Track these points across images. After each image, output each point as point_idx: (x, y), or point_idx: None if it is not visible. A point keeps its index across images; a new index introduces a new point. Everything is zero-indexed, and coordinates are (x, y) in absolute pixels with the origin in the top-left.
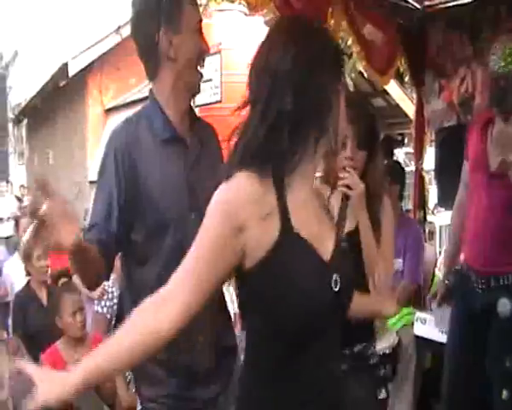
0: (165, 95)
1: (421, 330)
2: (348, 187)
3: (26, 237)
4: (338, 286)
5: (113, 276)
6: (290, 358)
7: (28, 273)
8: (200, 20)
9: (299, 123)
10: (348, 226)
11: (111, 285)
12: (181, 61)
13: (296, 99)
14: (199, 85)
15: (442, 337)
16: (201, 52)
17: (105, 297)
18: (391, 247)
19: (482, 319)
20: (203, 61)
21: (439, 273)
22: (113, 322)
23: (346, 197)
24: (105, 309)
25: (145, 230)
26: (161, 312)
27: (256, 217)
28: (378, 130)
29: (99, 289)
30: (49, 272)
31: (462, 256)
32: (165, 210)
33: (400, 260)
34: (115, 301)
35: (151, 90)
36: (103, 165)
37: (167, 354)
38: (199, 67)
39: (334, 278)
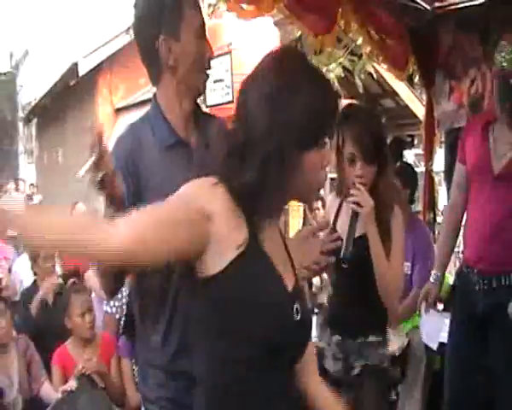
0: (167, 100)
1: (427, 335)
2: (358, 204)
3: None
4: (299, 316)
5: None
6: (247, 383)
7: (36, 273)
8: (203, 24)
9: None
10: (359, 231)
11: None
12: (181, 68)
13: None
14: (204, 86)
15: None
16: (205, 56)
17: (114, 297)
18: (400, 259)
19: (484, 319)
20: (209, 63)
21: (448, 275)
22: (122, 322)
23: (355, 214)
24: (114, 309)
25: None
26: (116, 229)
27: (224, 220)
28: (385, 142)
29: None
30: (60, 271)
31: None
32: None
33: (408, 264)
34: (124, 301)
35: (154, 95)
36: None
37: (167, 359)
38: (204, 70)
39: (295, 306)
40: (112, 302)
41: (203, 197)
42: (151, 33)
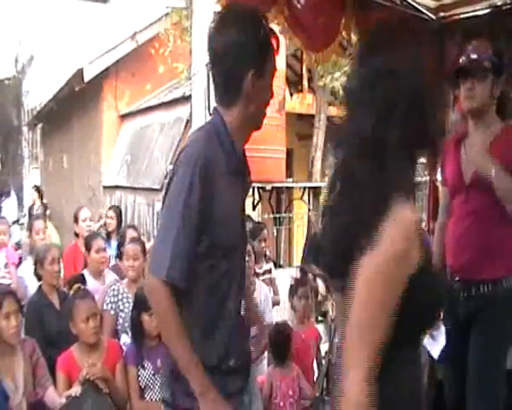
0: (236, 126)
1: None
2: None
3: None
4: None
5: (125, 281)
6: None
7: (39, 278)
8: (275, 69)
9: None
10: None
11: (116, 283)
12: (256, 102)
13: None
14: (262, 122)
15: None
16: (272, 96)
17: (110, 294)
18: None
19: (465, 326)
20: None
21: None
22: (122, 320)
23: None
24: (109, 306)
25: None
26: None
27: None
28: None
29: None
30: (63, 277)
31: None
32: (228, 237)
33: None
34: (120, 297)
35: (220, 114)
36: (189, 185)
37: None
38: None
39: None
40: (108, 299)
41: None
42: (242, 65)
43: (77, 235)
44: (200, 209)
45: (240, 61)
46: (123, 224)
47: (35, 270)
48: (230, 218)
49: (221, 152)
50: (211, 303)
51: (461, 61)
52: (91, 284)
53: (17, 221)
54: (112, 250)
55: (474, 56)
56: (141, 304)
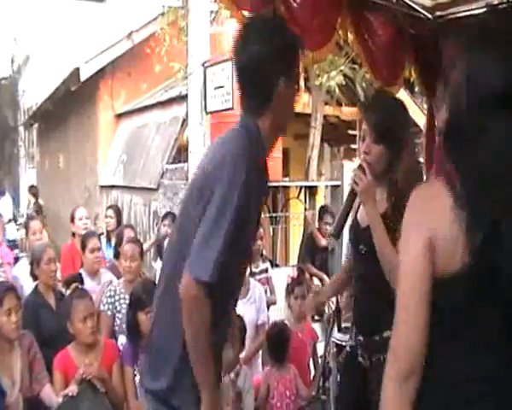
0: (264, 134)
1: None
2: (355, 182)
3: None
4: None
5: (121, 280)
6: None
7: (35, 278)
8: (300, 72)
9: None
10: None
11: (115, 283)
12: (285, 109)
13: None
14: (286, 128)
15: None
16: (296, 103)
17: (107, 294)
18: None
19: None
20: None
21: None
22: (120, 321)
23: (352, 191)
24: (106, 306)
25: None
26: None
27: None
28: (401, 126)
29: None
30: (60, 277)
31: None
32: (248, 239)
33: None
34: (117, 298)
35: (255, 122)
36: (238, 194)
37: None
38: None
39: None
40: (104, 299)
41: None
42: (273, 75)
43: (74, 234)
44: (243, 217)
45: (270, 71)
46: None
47: (31, 270)
48: (254, 222)
49: (256, 157)
50: (220, 303)
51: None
52: (87, 283)
53: (11, 220)
54: (112, 250)
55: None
56: (137, 303)
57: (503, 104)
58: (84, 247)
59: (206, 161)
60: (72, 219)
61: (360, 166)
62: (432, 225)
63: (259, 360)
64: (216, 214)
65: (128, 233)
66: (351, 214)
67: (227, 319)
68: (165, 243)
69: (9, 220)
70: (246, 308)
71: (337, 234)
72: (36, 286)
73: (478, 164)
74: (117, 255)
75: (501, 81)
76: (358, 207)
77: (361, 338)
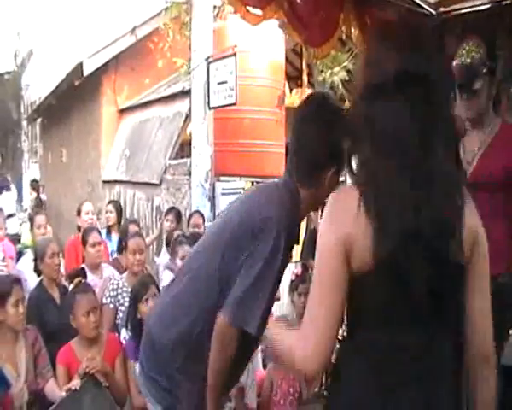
0: (304, 204)
1: None
2: None
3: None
4: None
5: (125, 274)
6: None
7: (39, 273)
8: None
9: None
10: None
11: (116, 277)
12: (324, 193)
13: None
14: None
15: None
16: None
17: (110, 288)
18: None
19: None
20: None
21: None
22: (123, 314)
23: None
24: (109, 300)
25: None
26: (309, 352)
27: None
28: None
29: None
30: (64, 270)
31: None
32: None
33: None
34: (119, 291)
35: (299, 193)
36: (280, 251)
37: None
38: None
39: None
40: (107, 292)
41: None
42: (327, 163)
43: (79, 229)
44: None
45: (326, 159)
46: (122, 218)
47: (35, 265)
48: (278, 285)
49: (294, 222)
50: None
51: (455, 64)
52: (89, 277)
53: (13, 215)
54: (112, 244)
55: (468, 62)
56: (137, 296)
57: (389, 92)
58: (85, 241)
59: (247, 209)
60: (79, 213)
61: None
62: (345, 229)
63: (259, 356)
64: (263, 276)
65: (133, 228)
66: None
67: (247, 356)
68: (165, 236)
69: (9, 216)
70: None
71: None
72: (40, 281)
73: (367, 159)
74: (121, 250)
75: (388, 71)
76: None
77: None
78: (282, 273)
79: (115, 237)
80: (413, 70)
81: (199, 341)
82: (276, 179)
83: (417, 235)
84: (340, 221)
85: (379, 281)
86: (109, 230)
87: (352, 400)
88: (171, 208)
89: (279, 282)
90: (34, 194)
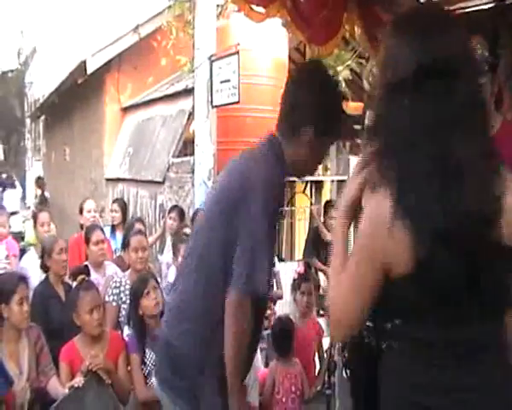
0: (287, 158)
1: None
2: None
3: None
4: None
5: (128, 272)
6: None
7: (45, 269)
8: (337, 137)
9: None
10: None
11: (119, 274)
12: (308, 154)
13: None
14: (305, 175)
15: None
16: (317, 167)
17: (112, 286)
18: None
19: None
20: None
21: None
22: (125, 312)
23: None
24: (111, 297)
25: None
26: None
27: None
28: None
29: None
30: (68, 268)
31: None
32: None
33: None
34: (122, 289)
35: (279, 143)
36: (271, 210)
37: None
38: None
39: None
40: (110, 290)
41: None
42: (306, 121)
43: (82, 227)
44: (273, 228)
45: (304, 115)
46: (127, 217)
47: (42, 261)
48: (275, 241)
49: (280, 177)
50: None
51: None
52: (92, 275)
53: (16, 213)
54: (117, 243)
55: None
56: (137, 292)
57: (409, 88)
58: (88, 239)
59: (232, 175)
60: (81, 211)
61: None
62: (381, 242)
63: (259, 355)
64: (257, 239)
65: (138, 227)
66: None
67: (260, 327)
68: (168, 235)
69: (12, 213)
70: None
71: None
72: (46, 277)
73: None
74: (124, 247)
75: (409, 66)
76: None
77: (370, 324)
78: (275, 230)
79: (120, 235)
80: (433, 63)
81: (214, 329)
82: (260, 141)
83: (453, 233)
84: (376, 235)
85: (421, 282)
86: (114, 228)
87: (411, 400)
88: (175, 206)
89: (275, 238)
90: (39, 191)
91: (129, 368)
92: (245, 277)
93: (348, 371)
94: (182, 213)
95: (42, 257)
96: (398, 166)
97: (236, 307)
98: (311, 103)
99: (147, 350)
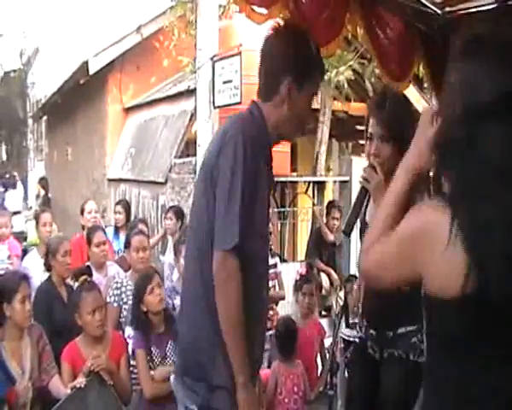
0: (268, 120)
1: None
2: (366, 180)
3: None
4: None
5: (129, 272)
6: None
7: (48, 269)
8: (315, 94)
9: None
10: None
11: (121, 275)
12: (290, 110)
13: None
14: (292, 137)
15: None
16: (305, 124)
17: (113, 286)
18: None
19: None
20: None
21: None
22: (127, 312)
23: (363, 189)
24: (112, 298)
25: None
26: None
27: None
28: (408, 125)
29: None
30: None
31: None
32: (262, 220)
33: None
34: (123, 290)
35: (259, 107)
36: (243, 160)
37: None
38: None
39: None
40: (110, 291)
41: None
42: (281, 71)
43: (83, 227)
44: (252, 183)
45: (280, 66)
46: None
47: (46, 261)
48: (265, 202)
49: (258, 136)
50: (249, 283)
51: None
52: (94, 276)
53: (18, 213)
54: (120, 244)
55: None
56: (141, 289)
57: (495, 115)
58: (89, 241)
59: (212, 142)
60: (82, 212)
61: (371, 165)
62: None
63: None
64: (228, 191)
65: (141, 228)
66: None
67: (261, 303)
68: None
69: (14, 213)
70: None
71: (348, 232)
72: (49, 277)
73: (466, 180)
74: (127, 247)
75: (493, 92)
76: (366, 206)
77: (373, 332)
78: (264, 190)
79: (123, 236)
80: None
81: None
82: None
83: None
84: (428, 246)
85: (467, 309)
86: (117, 229)
87: None
88: (171, 207)
89: (264, 199)
90: (43, 191)
91: (134, 363)
92: (221, 233)
93: (347, 372)
94: (179, 213)
95: (46, 255)
96: (469, 186)
97: (218, 267)
98: (285, 52)
99: (153, 347)
